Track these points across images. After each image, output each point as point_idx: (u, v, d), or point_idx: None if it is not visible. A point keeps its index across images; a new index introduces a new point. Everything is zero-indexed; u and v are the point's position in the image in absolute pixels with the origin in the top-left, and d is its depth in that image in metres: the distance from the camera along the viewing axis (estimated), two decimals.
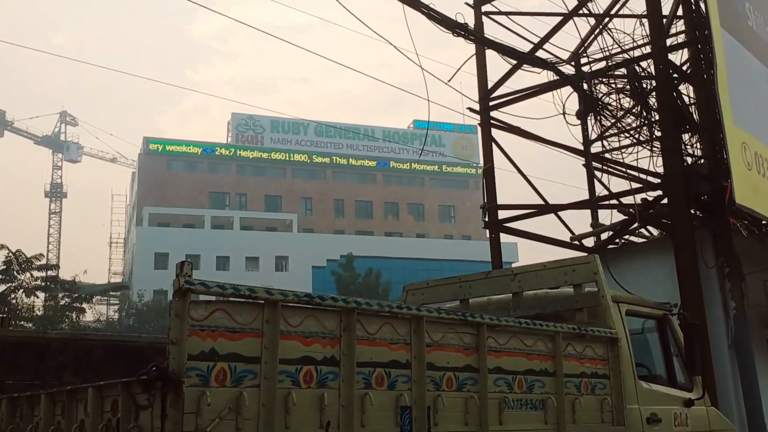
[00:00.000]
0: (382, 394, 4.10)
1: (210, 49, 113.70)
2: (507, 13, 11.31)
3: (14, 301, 29.15)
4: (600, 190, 11.95)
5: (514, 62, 10.76)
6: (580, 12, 11.12)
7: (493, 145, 11.49)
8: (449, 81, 9.83)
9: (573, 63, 11.63)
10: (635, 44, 10.43)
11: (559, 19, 10.95)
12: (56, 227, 68.29)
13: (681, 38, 10.82)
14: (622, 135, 11.75)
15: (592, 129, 11.29)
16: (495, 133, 11.53)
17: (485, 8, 11.23)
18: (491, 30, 11.34)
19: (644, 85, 10.07)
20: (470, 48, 11.31)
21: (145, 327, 34.48)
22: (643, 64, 10.25)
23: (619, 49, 10.63)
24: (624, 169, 10.89)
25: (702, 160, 10.05)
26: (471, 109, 11.39)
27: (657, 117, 9.99)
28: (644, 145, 10.93)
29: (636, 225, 10.75)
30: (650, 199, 10.19)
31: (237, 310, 3.58)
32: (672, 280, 9.17)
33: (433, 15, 8.14)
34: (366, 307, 4.08)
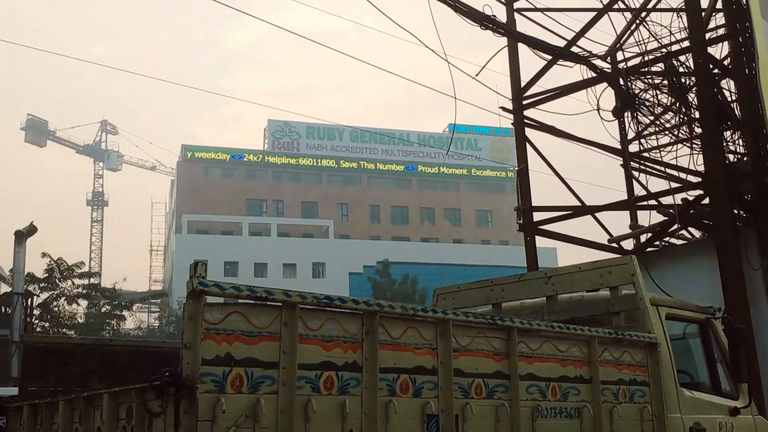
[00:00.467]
0: (407, 401, 3.93)
1: (247, 57, 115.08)
2: (540, 9, 11.07)
3: (56, 308, 29.65)
4: (638, 191, 11.62)
5: (547, 59, 10.51)
6: (616, 6, 10.83)
7: (528, 146, 11.27)
8: (477, 75, 9.65)
9: (609, 59, 11.34)
10: (673, 38, 10.10)
11: (593, 15, 10.68)
12: (98, 235, 69.71)
13: (721, 32, 10.45)
14: (660, 133, 11.41)
15: (629, 127, 10.96)
16: (529, 133, 11.31)
17: (517, 5, 11.01)
18: (523, 28, 11.12)
19: (683, 81, 9.73)
20: (504, 50, 11.11)
21: None
22: (682, 59, 9.91)
23: (656, 44, 10.30)
24: (663, 169, 10.54)
25: (744, 158, 9.67)
26: (504, 108, 11.17)
27: (697, 113, 9.64)
28: (684, 143, 10.57)
29: (676, 226, 10.39)
30: (691, 198, 9.85)
31: (254, 313, 3.45)
32: (715, 283, 8.82)
33: (460, 7, 7.96)
34: (389, 309, 3.92)
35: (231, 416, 3.25)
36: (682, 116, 9.93)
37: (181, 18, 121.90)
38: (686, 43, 9.97)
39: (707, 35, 9.97)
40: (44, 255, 29.75)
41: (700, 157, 9.85)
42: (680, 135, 10.56)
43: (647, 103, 9.95)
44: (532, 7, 11.13)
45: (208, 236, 54.50)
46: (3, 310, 23.96)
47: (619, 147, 11.44)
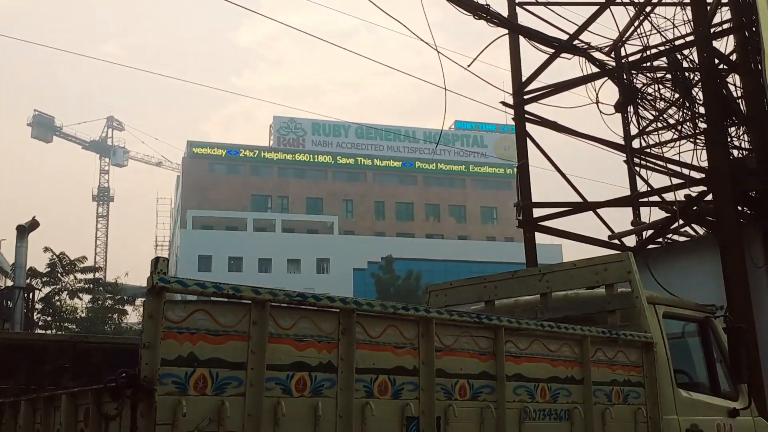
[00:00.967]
0: (386, 403, 3.74)
1: (255, 55, 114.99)
2: (542, 3, 10.86)
3: (58, 303, 29.59)
4: (641, 187, 11.39)
5: (548, 54, 10.30)
6: (620, 0, 10.59)
7: (528, 141, 11.06)
8: (469, 66, 9.44)
9: (612, 54, 11.10)
10: (677, 32, 9.87)
11: (597, 9, 10.45)
12: (103, 230, 69.77)
13: (726, 27, 10.21)
14: (664, 129, 11.17)
15: (632, 122, 10.73)
16: (532, 129, 11.10)
17: None
18: (526, 23, 10.89)
19: (687, 75, 9.49)
20: (508, 48, 10.88)
21: None
22: (686, 53, 9.67)
23: (660, 38, 10.07)
24: (665, 165, 10.32)
25: (750, 154, 9.44)
26: (504, 103, 10.98)
27: (701, 109, 9.41)
28: (688, 139, 10.34)
29: (678, 223, 10.18)
30: (694, 195, 9.63)
31: (220, 311, 3.28)
32: (718, 280, 8.62)
33: None
34: (367, 308, 3.73)
35: (193, 420, 3.07)
36: (685, 111, 9.69)
37: (191, 17, 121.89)
38: (691, 38, 9.74)
39: (712, 29, 9.75)
40: (47, 249, 29.70)
41: (704, 153, 9.62)
42: (684, 131, 10.32)
43: (650, 98, 9.71)
44: (534, 1, 10.93)
45: (212, 232, 54.49)
46: (5, 304, 23.90)
47: (622, 143, 11.20)
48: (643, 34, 9.83)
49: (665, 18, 10.03)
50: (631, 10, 10.71)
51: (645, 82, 9.81)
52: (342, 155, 62.33)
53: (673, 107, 9.84)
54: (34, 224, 24.91)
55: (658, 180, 10.80)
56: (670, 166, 10.19)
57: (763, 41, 8.37)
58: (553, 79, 11.07)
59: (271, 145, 62.55)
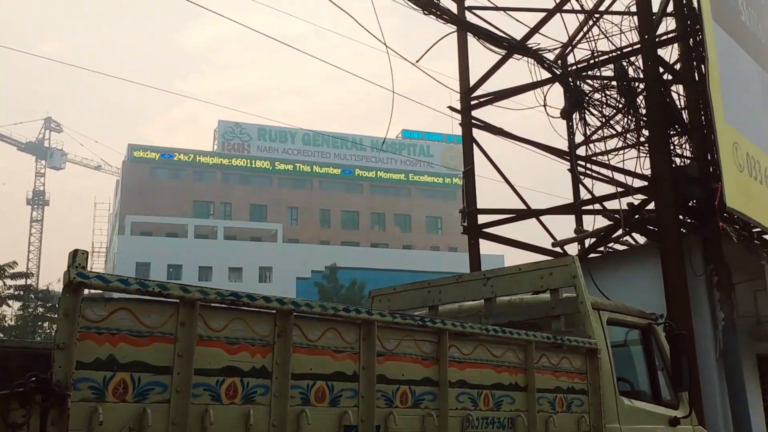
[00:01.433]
0: (323, 411, 3.54)
1: (201, 58, 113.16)
2: (491, 8, 10.83)
3: None
4: (585, 195, 11.48)
5: (498, 54, 10.25)
6: (570, 8, 10.65)
7: (475, 148, 11.01)
8: (418, 61, 9.33)
9: (560, 61, 11.18)
10: (625, 40, 9.98)
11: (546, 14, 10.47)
12: (37, 235, 67.41)
13: (671, 36, 10.38)
14: (609, 138, 11.29)
15: (577, 129, 10.81)
16: (480, 137, 11.05)
17: (468, 2, 10.73)
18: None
19: (632, 83, 9.59)
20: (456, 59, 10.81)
21: None
22: (633, 61, 9.77)
23: (608, 45, 10.16)
24: (609, 172, 10.40)
25: (692, 162, 9.58)
26: (452, 108, 10.90)
27: (645, 116, 9.52)
28: (632, 147, 10.47)
29: (621, 231, 10.26)
30: (636, 203, 9.72)
31: (145, 311, 3.03)
32: (658, 289, 8.68)
33: None
34: (306, 309, 3.53)
35: (110, 428, 2.82)
36: (630, 119, 9.79)
37: (135, 17, 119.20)
38: (637, 45, 9.84)
39: (658, 38, 9.89)
40: None
41: (647, 161, 9.72)
42: (628, 139, 10.43)
43: (596, 104, 9.78)
44: (484, 6, 10.91)
45: (151, 238, 53.20)
46: None
47: (567, 150, 11.27)
48: (592, 39, 9.90)
49: (613, 23, 10.15)
50: (582, 15, 10.79)
51: (591, 88, 9.87)
52: (288, 162, 61.77)
53: (619, 115, 9.92)
54: None
55: (604, 188, 10.90)
56: (614, 173, 10.25)
57: (707, 50, 8.50)
58: (500, 86, 11.07)
59: (215, 150, 61.55)
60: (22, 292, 30.35)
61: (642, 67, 9.56)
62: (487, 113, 11.08)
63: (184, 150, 60.84)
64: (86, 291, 2.87)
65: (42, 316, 30.97)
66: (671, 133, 9.77)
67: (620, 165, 10.35)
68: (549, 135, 10.99)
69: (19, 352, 4.87)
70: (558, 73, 9.56)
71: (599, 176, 11.58)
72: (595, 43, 9.72)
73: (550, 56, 10.01)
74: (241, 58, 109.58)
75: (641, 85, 9.82)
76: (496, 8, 10.66)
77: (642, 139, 10.14)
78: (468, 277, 6.08)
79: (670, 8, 10.04)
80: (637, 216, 9.82)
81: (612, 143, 11.41)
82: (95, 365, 2.83)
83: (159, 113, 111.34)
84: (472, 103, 11.05)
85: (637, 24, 9.38)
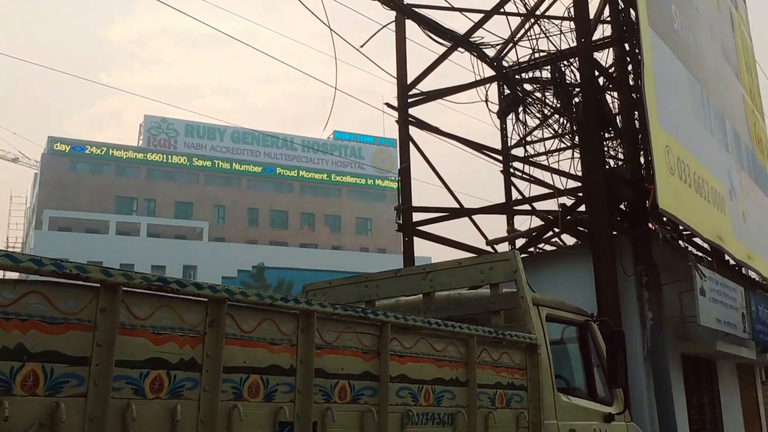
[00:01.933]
0: (257, 406, 3.29)
1: (128, 53, 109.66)
2: (431, 7, 10.74)
3: None
4: (519, 196, 11.55)
5: (437, 56, 10.20)
6: (510, 10, 10.66)
7: (411, 147, 10.90)
8: (362, 46, 9.14)
9: (501, 59, 11.18)
10: (564, 41, 10.05)
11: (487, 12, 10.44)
12: None
13: (607, 40, 10.53)
14: (545, 139, 11.39)
15: (513, 130, 10.85)
16: (418, 137, 10.95)
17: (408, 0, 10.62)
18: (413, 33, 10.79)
19: (569, 85, 9.67)
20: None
21: None
22: (570, 63, 9.86)
23: (547, 46, 10.22)
24: (542, 174, 10.48)
25: (624, 165, 9.72)
26: (389, 105, 10.77)
27: (580, 119, 9.60)
28: (566, 149, 10.57)
29: (552, 232, 10.34)
30: (568, 204, 9.80)
31: (60, 295, 2.71)
32: (588, 289, 8.75)
33: None
34: (241, 297, 3.27)
35: (18, 424, 2.50)
36: (565, 121, 9.88)
37: (59, 8, 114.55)
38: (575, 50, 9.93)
39: (595, 43, 10.01)
40: None
41: (581, 164, 9.81)
42: (563, 140, 10.52)
43: (533, 106, 9.82)
44: (423, 4, 10.81)
45: (70, 234, 51.12)
46: None
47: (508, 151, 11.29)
48: (533, 37, 9.93)
49: (553, 23, 10.21)
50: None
51: (529, 89, 9.90)
52: (216, 159, 60.50)
53: (554, 116, 9.99)
54: None
55: (539, 189, 10.98)
56: (548, 175, 10.34)
57: (643, 54, 8.62)
58: (437, 86, 11.01)
59: (141, 146, 59.73)
60: None
61: (578, 70, 9.66)
62: (423, 115, 10.96)
63: (107, 144, 58.80)
64: None
65: None
66: (605, 136, 9.90)
67: (555, 166, 10.45)
68: (484, 138, 11.05)
69: None
70: (499, 70, 9.53)
71: (531, 178, 11.68)
72: (536, 42, 9.75)
73: (491, 53, 9.98)
74: (169, 54, 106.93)
75: (577, 88, 9.93)
76: (436, 7, 10.58)
77: (576, 141, 10.24)
78: (407, 271, 5.92)
79: (606, 14, 10.21)
80: (569, 217, 9.91)
81: (547, 145, 11.54)
82: (1, 354, 2.51)
83: (82, 107, 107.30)
84: (410, 100, 10.95)
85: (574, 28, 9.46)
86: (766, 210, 14.76)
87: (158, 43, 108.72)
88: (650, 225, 8.93)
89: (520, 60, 10.17)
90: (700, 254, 10.87)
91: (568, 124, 9.84)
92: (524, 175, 11.88)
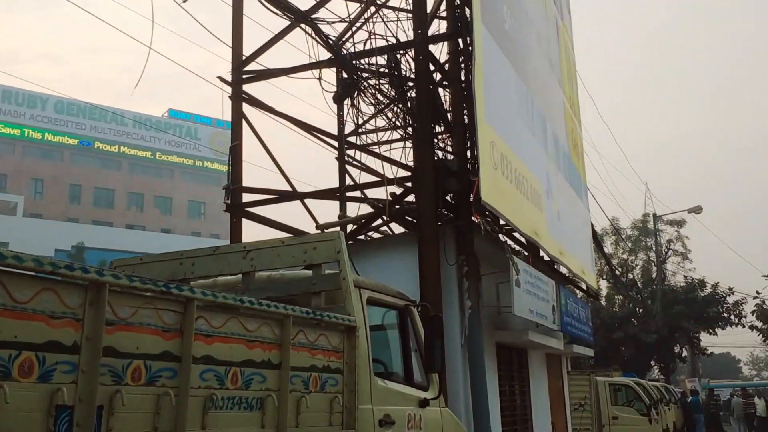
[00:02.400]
0: (26, 388, 2.87)
1: None
2: None
3: None
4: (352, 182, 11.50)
5: (272, 35, 9.87)
6: None
7: (244, 125, 10.49)
8: (185, 2, 8.60)
9: (334, 47, 11.03)
10: (401, 34, 10.10)
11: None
12: None
13: (442, 33, 10.72)
14: (379, 129, 11.41)
15: (348, 115, 10.76)
16: (250, 116, 10.53)
17: None
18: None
19: (403, 75, 9.73)
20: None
21: None
22: (405, 53, 9.91)
23: (384, 32, 10.20)
24: (375, 162, 10.50)
25: (452, 157, 9.95)
26: (221, 79, 10.28)
27: (413, 109, 9.69)
28: (400, 139, 10.65)
29: (381, 220, 10.39)
30: (398, 193, 9.89)
31: None
32: (413, 277, 8.87)
33: None
34: (13, 262, 2.83)
35: None
36: (399, 110, 9.93)
37: None
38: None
39: (430, 36, 10.14)
40: None
41: (411, 155, 9.93)
42: (397, 131, 10.58)
43: (370, 93, 9.76)
44: None
45: None
46: None
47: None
48: (371, 21, 9.86)
49: (393, 10, 10.22)
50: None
51: (367, 75, 9.84)
52: (35, 129, 55.78)
53: (389, 105, 10.01)
54: None
55: (372, 178, 10.97)
56: (382, 164, 10.35)
57: (474, 48, 8.82)
58: (274, 63, 10.68)
59: None
60: None
61: (413, 61, 9.74)
62: (261, 95, 10.55)
63: None
64: None
65: None
66: (435, 128, 10.08)
67: (387, 155, 10.49)
68: (322, 127, 10.84)
69: None
70: (337, 54, 9.37)
71: (364, 166, 11.69)
72: (374, 26, 9.70)
73: (332, 29, 9.81)
74: None
75: (411, 79, 10.02)
76: None
77: (409, 132, 10.34)
78: (226, 249, 5.59)
79: (443, 9, 10.39)
80: (397, 206, 10.00)
81: (381, 135, 11.58)
82: None
83: None
84: (245, 77, 10.53)
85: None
86: (577, 211, 15.85)
87: None
88: (473, 217, 9.19)
89: (357, 44, 10.09)
90: (518, 248, 11.42)
91: (402, 115, 9.89)
92: (357, 163, 11.87)
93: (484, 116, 8.98)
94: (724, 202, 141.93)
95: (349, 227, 10.94)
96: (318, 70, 9.74)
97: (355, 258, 8.80)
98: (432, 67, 10.05)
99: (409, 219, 10.46)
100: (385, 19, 9.72)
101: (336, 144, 11.89)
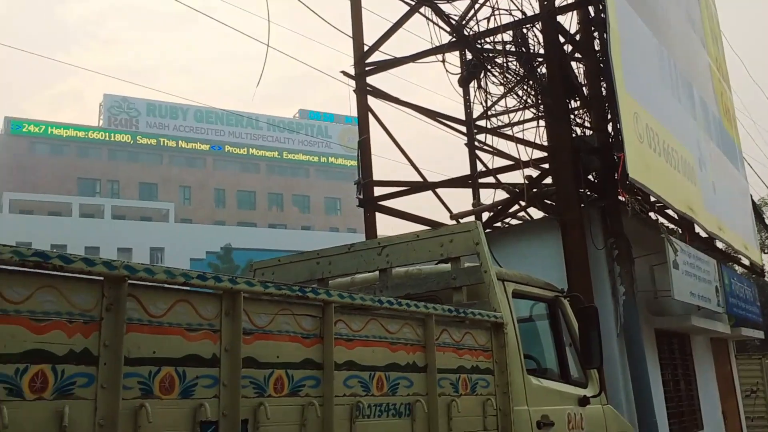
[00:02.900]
0: (171, 404, 2.77)
1: (84, 32, 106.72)
2: None
3: None
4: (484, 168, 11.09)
5: (391, 23, 9.65)
6: None
7: (371, 117, 10.37)
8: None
9: (456, 30, 10.66)
10: (524, 7, 9.55)
11: None
12: None
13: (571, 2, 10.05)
14: (510, 111, 10.92)
15: (476, 98, 10.35)
16: (375, 107, 10.39)
17: None
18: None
19: (532, 51, 9.20)
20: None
21: None
22: (532, 27, 9.38)
23: (505, 15, 9.69)
24: (507, 145, 10.03)
25: (591, 133, 9.30)
26: (345, 73, 10.19)
27: (545, 85, 9.14)
28: (532, 119, 10.11)
29: (518, 205, 9.90)
30: (534, 176, 9.38)
31: None
32: (557, 264, 8.35)
33: None
34: (145, 275, 2.74)
35: None
36: (530, 88, 9.40)
37: None
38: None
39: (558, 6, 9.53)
40: None
41: (545, 135, 9.40)
42: (528, 110, 10.06)
43: (497, 73, 9.32)
44: None
45: (32, 217, 49.77)
46: None
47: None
48: (495, 4, 9.39)
49: None
50: None
51: (492, 54, 9.39)
52: (180, 138, 59.23)
53: (519, 84, 9.51)
54: None
55: (505, 162, 10.52)
56: (513, 147, 9.87)
57: (608, 17, 8.16)
58: (396, 53, 10.47)
59: (101, 126, 58.20)
60: None
61: (542, 34, 9.19)
62: (383, 87, 10.36)
63: (67, 125, 57.19)
64: None
65: None
66: (570, 103, 9.48)
67: (520, 137, 10.00)
68: (446, 110, 10.51)
69: None
70: (460, 36, 9.00)
71: (495, 150, 11.22)
72: (497, 1, 9.23)
73: (451, 7, 9.45)
74: (126, 33, 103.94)
75: (541, 54, 9.46)
76: None
77: (541, 109, 9.79)
78: (361, 245, 5.41)
79: None
80: (534, 189, 9.49)
81: (511, 115, 11.08)
82: None
83: (40, 88, 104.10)
84: (368, 68, 10.40)
85: None
86: (734, 181, 14.52)
87: (113, 22, 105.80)
88: (620, 196, 8.53)
89: (480, 22, 9.63)
90: (672, 226, 10.56)
91: (533, 92, 9.36)
92: (487, 147, 11.43)
93: (624, 86, 8.29)
94: None
95: (485, 215, 10.53)
96: (441, 55, 9.39)
97: (493, 247, 8.37)
98: (562, 39, 9.44)
99: (548, 202, 9.90)
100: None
101: (464, 129, 11.53)
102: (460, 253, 4.82)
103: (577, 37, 10.08)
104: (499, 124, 11.68)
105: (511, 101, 10.32)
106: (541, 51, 9.27)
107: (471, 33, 9.23)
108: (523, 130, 10.17)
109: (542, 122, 9.95)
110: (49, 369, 2.44)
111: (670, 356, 10.34)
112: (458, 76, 10.41)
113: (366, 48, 10.18)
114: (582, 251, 8.35)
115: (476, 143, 11.56)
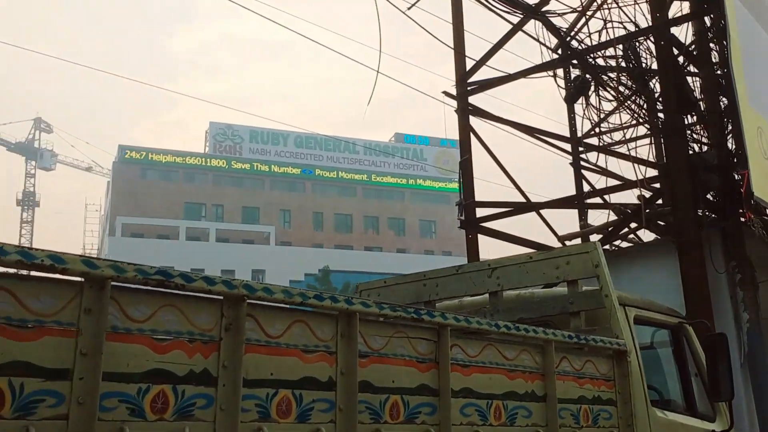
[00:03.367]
0: (288, 428, 2.70)
1: (190, 63, 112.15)
2: None
3: None
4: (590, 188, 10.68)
5: (492, 42, 9.48)
6: None
7: (472, 138, 10.20)
8: (408, 9, 8.50)
9: (560, 46, 10.38)
10: (636, 18, 9.17)
11: None
12: (28, 237, 66.38)
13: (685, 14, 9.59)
14: (619, 128, 10.49)
15: (584, 116, 10.00)
16: (479, 128, 10.22)
17: None
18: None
19: (644, 65, 8.81)
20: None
21: None
22: (643, 41, 8.99)
23: (617, 27, 9.35)
24: (615, 164, 9.60)
25: (709, 149, 8.78)
26: (447, 93, 10.09)
27: (658, 100, 8.72)
28: (645, 136, 9.65)
29: (634, 226, 9.44)
30: (647, 196, 8.92)
31: (31, 292, 2.18)
32: (674, 289, 7.85)
33: None
34: (264, 294, 2.69)
35: None
36: (642, 104, 8.99)
37: (123, 20, 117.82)
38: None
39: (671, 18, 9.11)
40: None
41: (662, 150, 8.94)
42: (642, 125, 9.62)
43: (608, 87, 8.95)
44: None
45: (143, 240, 52.25)
46: None
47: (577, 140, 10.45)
48: (606, 6, 9.08)
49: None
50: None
51: (602, 69, 9.05)
52: (280, 164, 60.91)
53: (629, 99, 9.12)
54: None
55: (612, 182, 10.08)
56: (620, 166, 9.46)
57: (728, 25, 7.71)
58: (495, 74, 10.28)
59: (207, 152, 60.67)
60: None
61: (654, 46, 8.79)
62: (479, 105, 10.18)
63: (175, 152, 59.99)
64: None
65: None
66: (686, 119, 9.00)
67: (630, 154, 9.56)
68: (547, 125, 10.25)
69: None
70: (567, 51, 8.73)
71: (603, 169, 10.79)
72: (609, 12, 8.90)
73: (561, 22, 9.18)
74: (229, 63, 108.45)
75: (653, 68, 9.05)
76: None
77: (655, 125, 9.34)
78: (470, 267, 5.24)
79: None
80: (648, 210, 9.02)
81: (621, 132, 10.64)
82: None
83: (148, 116, 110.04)
84: (469, 88, 10.25)
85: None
86: None
87: (217, 52, 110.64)
88: (742, 216, 7.99)
89: (591, 35, 9.31)
90: None
91: (645, 107, 8.94)
92: (595, 166, 11.02)
93: (747, 99, 7.81)
94: None
95: (593, 237, 10.12)
96: (552, 71, 9.13)
97: None
98: (676, 51, 9.00)
99: (662, 223, 9.40)
100: (620, 4, 8.85)
101: (569, 148, 11.17)
102: (578, 276, 4.56)
103: (692, 49, 9.61)
104: (606, 141, 11.27)
105: (620, 118, 9.91)
106: (654, 64, 8.88)
107: (580, 47, 8.91)
108: (636, 147, 9.72)
109: (654, 139, 9.50)
110: (170, 389, 2.42)
111: None
112: (565, 93, 10.09)
113: (468, 67, 10.05)
114: (701, 275, 7.84)
115: (582, 162, 11.18)
